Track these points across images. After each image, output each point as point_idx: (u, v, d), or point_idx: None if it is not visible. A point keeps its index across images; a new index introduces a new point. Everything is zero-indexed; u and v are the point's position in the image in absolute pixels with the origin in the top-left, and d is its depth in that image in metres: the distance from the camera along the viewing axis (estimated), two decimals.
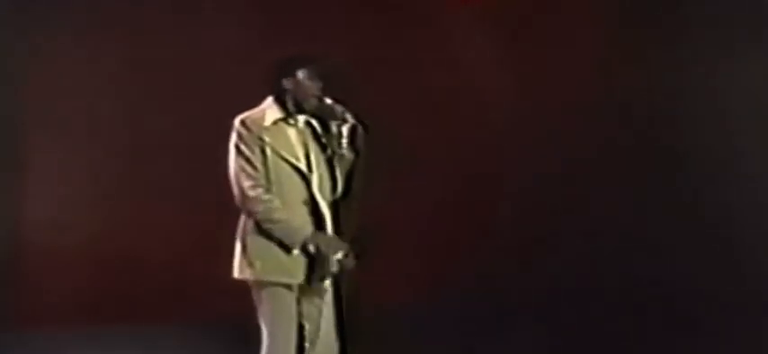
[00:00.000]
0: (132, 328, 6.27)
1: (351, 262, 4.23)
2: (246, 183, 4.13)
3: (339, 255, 4.19)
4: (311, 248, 4.16)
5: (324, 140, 4.27)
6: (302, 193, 4.19)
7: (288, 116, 4.24)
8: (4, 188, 6.60)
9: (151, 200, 6.68)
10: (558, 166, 6.81)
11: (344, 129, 4.20)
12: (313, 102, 4.22)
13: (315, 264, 4.16)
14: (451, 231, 6.81)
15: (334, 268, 4.20)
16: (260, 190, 4.12)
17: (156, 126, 6.70)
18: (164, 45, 6.69)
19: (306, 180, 4.18)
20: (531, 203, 6.88)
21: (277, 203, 4.12)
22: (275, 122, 4.20)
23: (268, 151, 4.15)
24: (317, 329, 4.25)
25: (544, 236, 6.79)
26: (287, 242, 4.13)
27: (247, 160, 4.14)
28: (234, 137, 4.19)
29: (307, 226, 4.14)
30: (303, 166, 4.19)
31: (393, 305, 6.20)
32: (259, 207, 4.12)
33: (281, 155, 4.16)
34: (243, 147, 4.15)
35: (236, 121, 4.20)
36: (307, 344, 4.26)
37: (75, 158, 6.67)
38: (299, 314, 4.23)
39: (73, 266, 6.55)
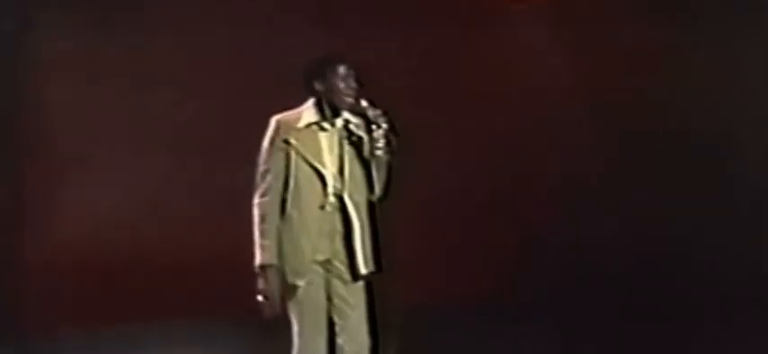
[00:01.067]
0: (164, 325, 6.35)
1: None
2: (259, 188, 4.20)
3: (259, 297, 4.18)
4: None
5: (360, 143, 4.27)
6: (320, 198, 4.22)
7: (323, 119, 4.25)
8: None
9: (175, 197, 6.72)
10: (596, 167, 6.78)
11: (378, 134, 4.19)
12: (348, 104, 4.23)
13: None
14: (484, 233, 6.81)
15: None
16: (267, 198, 4.17)
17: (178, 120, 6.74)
18: (185, 38, 6.74)
19: (325, 185, 4.20)
20: (567, 204, 6.87)
21: (271, 212, 4.15)
22: (309, 125, 4.23)
23: (292, 154, 4.19)
24: (348, 325, 4.28)
25: (580, 238, 6.76)
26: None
27: (266, 163, 4.20)
28: (266, 136, 4.24)
29: (272, 252, 4.15)
30: (326, 171, 4.20)
31: (424, 305, 6.21)
32: (256, 211, 4.18)
33: (305, 159, 4.19)
34: (266, 151, 4.21)
35: (272, 121, 4.26)
36: (338, 340, 4.29)
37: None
38: (330, 310, 4.27)
39: (103, 264, 6.62)
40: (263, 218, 4.17)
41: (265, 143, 4.23)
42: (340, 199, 4.23)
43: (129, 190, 6.63)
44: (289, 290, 4.21)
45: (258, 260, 4.17)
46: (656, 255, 6.63)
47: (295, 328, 4.27)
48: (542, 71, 6.94)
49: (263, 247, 4.16)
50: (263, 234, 4.16)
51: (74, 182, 6.67)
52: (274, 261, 4.16)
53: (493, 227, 6.79)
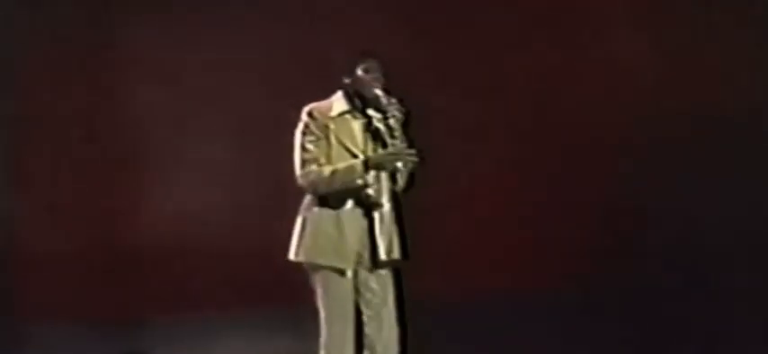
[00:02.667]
0: (243, 313, 6.44)
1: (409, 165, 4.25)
2: (307, 168, 4.28)
3: (399, 165, 4.23)
4: (370, 178, 4.28)
5: (380, 133, 4.33)
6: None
7: (353, 109, 4.37)
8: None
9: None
10: (675, 166, 6.55)
11: (393, 122, 4.24)
12: (371, 96, 4.31)
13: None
14: (539, 227, 6.66)
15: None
16: (314, 166, 4.26)
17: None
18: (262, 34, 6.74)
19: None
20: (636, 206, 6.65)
21: (327, 168, 4.24)
22: (341, 114, 4.35)
23: (332, 139, 4.30)
24: (376, 315, 4.36)
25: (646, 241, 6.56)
26: (349, 180, 4.23)
27: (309, 146, 4.29)
28: (300, 126, 4.35)
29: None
30: (363, 156, 4.29)
31: (461, 299, 6.20)
32: (312, 177, 4.26)
33: (344, 145, 4.30)
34: (307, 135, 4.31)
35: (304, 111, 4.37)
36: (366, 330, 4.37)
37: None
38: (357, 300, 4.35)
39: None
40: (324, 170, 4.24)
41: (301, 130, 4.33)
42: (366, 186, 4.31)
43: (211, 183, 6.71)
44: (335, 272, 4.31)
45: (361, 172, 4.22)
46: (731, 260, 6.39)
47: (322, 317, 4.35)
48: (624, 69, 6.74)
49: (351, 168, 4.23)
50: (338, 171, 4.23)
51: (160, 177, 6.78)
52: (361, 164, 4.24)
53: (551, 222, 6.63)
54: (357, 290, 4.35)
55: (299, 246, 4.36)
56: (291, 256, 4.38)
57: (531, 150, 6.60)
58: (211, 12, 6.68)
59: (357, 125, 4.36)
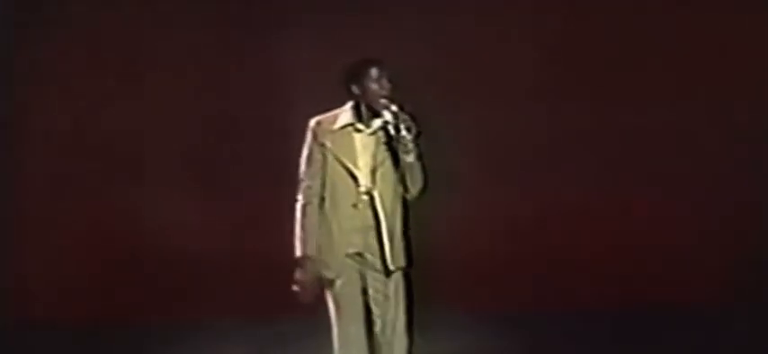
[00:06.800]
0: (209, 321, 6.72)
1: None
2: (301, 186, 4.47)
3: (293, 286, 4.40)
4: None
5: (395, 143, 4.37)
6: (353, 197, 4.42)
7: (359, 121, 4.44)
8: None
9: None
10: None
11: (405, 135, 4.29)
12: (381, 105, 4.35)
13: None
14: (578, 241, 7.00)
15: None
16: (306, 197, 4.43)
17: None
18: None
19: (358, 184, 4.40)
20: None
21: (309, 210, 4.41)
22: (344, 126, 4.44)
23: (328, 156, 4.41)
24: (385, 315, 4.46)
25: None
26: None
27: (306, 169, 4.47)
28: (306, 140, 4.50)
29: (308, 245, 4.38)
30: (359, 172, 4.41)
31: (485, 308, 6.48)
32: (299, 215, 4.44)
33: (339, 160, 4.41)
34: (306, 152, 4.48)
35: (310, 123, 4.50)
36: (375, 329, 4.47)
37: None
38: (367, 300, 4.46)
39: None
40: (304, 214, 4.43)
41: (305, 147, 4.48)
42: (371, 196, 4.41)
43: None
44: (326, 282, 4.44)
45: (297, 252, 4.40)
46: None
47: (333, 316, 4.48)
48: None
49: (300, 240, 4.41)
50: (302, 228, 4.42)
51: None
52: (310, 253, 4.39)
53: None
54: (365, 291, 4.47)
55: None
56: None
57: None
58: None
59: (359, 139, 4.45)
